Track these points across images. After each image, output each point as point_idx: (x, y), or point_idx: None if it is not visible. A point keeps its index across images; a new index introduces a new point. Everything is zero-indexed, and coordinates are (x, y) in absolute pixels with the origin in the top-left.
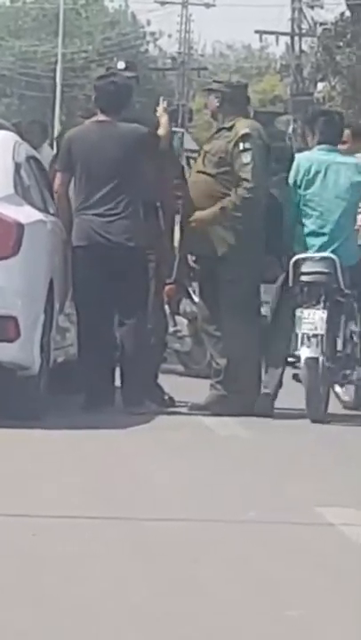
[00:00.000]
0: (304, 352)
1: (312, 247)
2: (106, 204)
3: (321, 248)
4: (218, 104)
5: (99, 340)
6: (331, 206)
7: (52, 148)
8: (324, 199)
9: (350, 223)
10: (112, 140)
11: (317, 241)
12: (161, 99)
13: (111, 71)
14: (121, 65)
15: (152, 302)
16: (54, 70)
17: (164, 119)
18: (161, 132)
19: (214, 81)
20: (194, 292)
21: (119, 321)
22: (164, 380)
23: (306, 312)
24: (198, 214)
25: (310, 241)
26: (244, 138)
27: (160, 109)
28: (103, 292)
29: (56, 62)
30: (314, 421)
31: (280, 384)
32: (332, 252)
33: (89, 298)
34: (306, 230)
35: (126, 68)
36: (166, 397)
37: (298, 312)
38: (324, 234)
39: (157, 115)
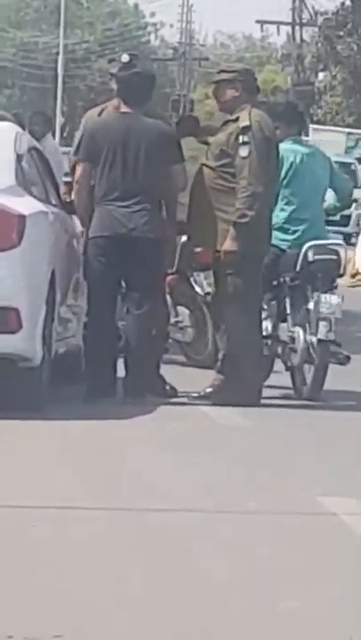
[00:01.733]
0: (321, 333)
1: (294, 234)
2: (129, 194)
3: (302, 236)
4: (237, 94)
5: (106, 330)
6: (309, 195)
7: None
8: (303, 189)
9: (322, 210)
10: (137, 131)
11: (298, 228)
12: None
13: (134, 61)
14: (125, 58)
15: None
16: (55, 61)
17: None
18: None
19: (223, 70)
20: (195, 282)
21: (127, 310)
22: (166, 371)
23: (323, 296)
24: (225, 246)
25: (292, 227)
26: (244, 130)
27: None
28: (117, 283)
29: (57, 53)
30: (313, 400)
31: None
32: (313, 238)
33: (103, 288)
34: (287, 219)
35: (130, 61)
36: (168, 388)
37: (314, 296)
38: (305, 221)
39: None
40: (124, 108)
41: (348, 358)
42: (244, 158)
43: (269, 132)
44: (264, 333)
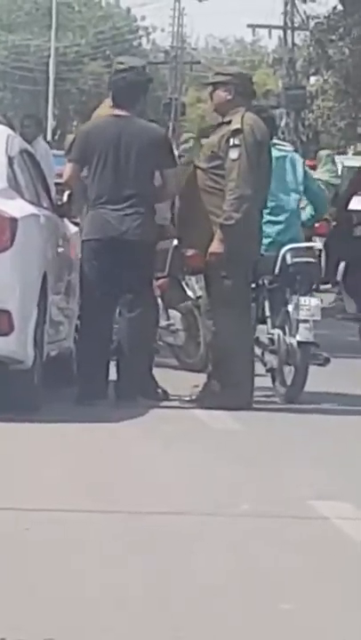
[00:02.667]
0: (302, 335)
1: (269, 237)
2: (122, 197)
3: (277, 238)
4: (230, 97)
5: (99, 333)
6: (285, 197)
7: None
8: (277, 192)
9: (298, 214)
10: (130, 134)
11: (273, 230)
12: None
13: (124, 67)
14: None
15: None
16: (47, 64)
17: None
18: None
19: (218, 73)
20: (187, 285)
21: (119, 313)
22: (158, 374)
23: (302, 299)
24: (211, 248)
25: (267, 230)
26: (235, 133)
27: None
28: (109, 285)
29: (49, 56)
30: (291, 402)
31: None
32: (289, 241)
33: (96, 291)
34: (264, 220)
35: (137, 67)
36: (160, 391)
37: (294, 299)
38: (279, 223)
39: None
40: (117, 111)
41: (328, 360)
42: (233, 161)
43: (261, 135)
44: None
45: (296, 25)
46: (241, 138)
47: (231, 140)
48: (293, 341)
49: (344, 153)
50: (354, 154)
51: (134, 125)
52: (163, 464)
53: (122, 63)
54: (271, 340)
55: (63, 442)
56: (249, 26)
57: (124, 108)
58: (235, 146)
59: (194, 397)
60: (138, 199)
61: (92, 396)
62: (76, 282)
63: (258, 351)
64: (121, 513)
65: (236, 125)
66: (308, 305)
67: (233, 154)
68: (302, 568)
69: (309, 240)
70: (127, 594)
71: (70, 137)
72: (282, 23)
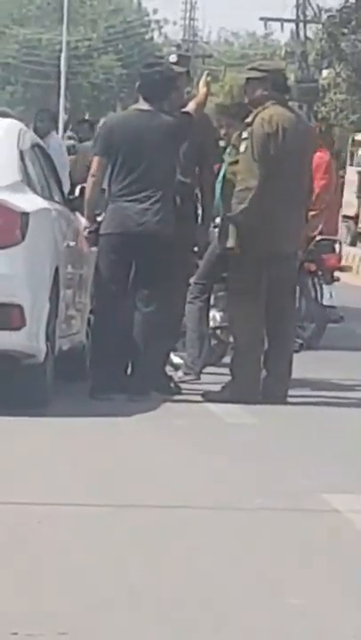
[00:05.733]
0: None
1: None
2: (144, 192)
3: None
4: (266, 92)
5: (113, 327)
6: None
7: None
8: None
9: None
10: (154, 129)
11: None
12: (205, 72)
13: (158, 60)
14: (173, 58)
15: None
16: (59, 58)
17: (203, 90)
18: (192, 105)
19: (254, 68)
20: (213, 306)
21: (136, 308)
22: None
23: None
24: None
25: None
26: (245, 126)
27: (202, 81)
28: (126, 279)
29: (60, 50)
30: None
31: None
32: None
33: (112, 285)
34: None
35: (177, 62)
36: (173, 386)
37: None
38: None
39: (199, 85)
40: (143, 106)
41: (302, 346)
42: (242, 153)
43: (271, 128)
44: (212, 324)
45: (308, 18)
46: (250, 131)
47: (243, 134)
48: None
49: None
50: None
51: (158, 120)
52: (175, 458)
53: (177, 59)
54: None
55: (75, 436)
56: (261, 19)
57: (150, 102)
58: (244, 139)
59: (207, 392)
60: (159, 193)
61: (104, 390)
62: (88, 275)
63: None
64: (133, 507)
65: (248, 119)
66: None
67: (242, 147)
68: (314, 561)
69: None
70: (136, 589)
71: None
72: (294, 16)
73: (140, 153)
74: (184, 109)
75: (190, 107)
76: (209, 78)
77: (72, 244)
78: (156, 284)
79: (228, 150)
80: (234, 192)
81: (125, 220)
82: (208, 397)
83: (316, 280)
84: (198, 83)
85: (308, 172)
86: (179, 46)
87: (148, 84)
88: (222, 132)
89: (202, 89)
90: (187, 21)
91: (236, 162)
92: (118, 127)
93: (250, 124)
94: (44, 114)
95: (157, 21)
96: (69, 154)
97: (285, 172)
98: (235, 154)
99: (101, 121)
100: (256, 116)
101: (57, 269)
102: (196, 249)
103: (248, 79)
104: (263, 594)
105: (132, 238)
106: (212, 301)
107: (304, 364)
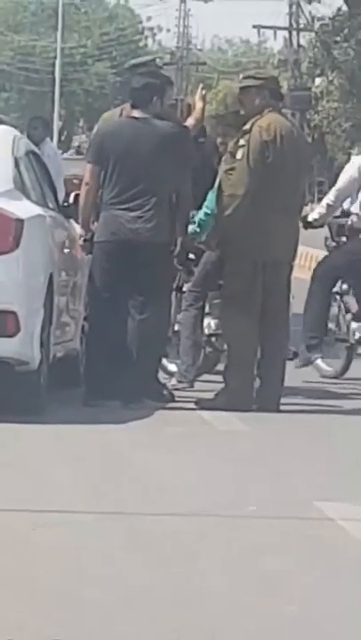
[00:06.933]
0: None
1: None
2: (137, 200)
3: None
4: (264, 101)
5: (107, 335)
6: None
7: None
8: None
9: None
10: (146, 137)
11: None
12: (200, 86)
13: (148, 63)
14: (159, 62)
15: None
16: (53, 65)
17: (200, 105)
18: (191, 121)
19: (250, 77)
20: (208, 314)
21: (130, 315)
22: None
23: None
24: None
25: None
26: (243, 134)
27: (198, 95)
28: (121, 287)
29: (55, 57)
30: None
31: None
32: None
33: (106, 292)
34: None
35: (148, 66)
36: (166, 393)
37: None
38: None
39: (195, 100)
40: (135, 113)
41: (296, 354)
42: (238, 160)
43: (269, 135)
44: (207, 331)
45: (301, 26)
46: (247, 138)
47: (240, 141)
48: None
49: (349, 154)
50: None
51: (151, 127)
52: (168, 466)
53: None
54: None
55: (68, 443)
56: (255, 27)
57: (142, 110)
58: (241, 146)
59: (200, 399)
60: (152, 201)
61: (98, 397)
62: (82, 283)
63: (224, 346)
64: (126, 514)
65: (246, 126)
66: None
67: (238, 154)
68: (308, 569)
69: None
70: (132, 595)
71: (76, 138)
72: (287, 24)
73: (132, 161)
74: (184, 124)
75: (189, 122)
76: (204, 92)
77: (66, 251)
78: (150, 292)
79: (223, 158)
80: (223, 196)
81: (118, 228)
82: (201, 405)
83: None
84: (192, 91)
85: (303, 180)
86: (172, 53)
87: (132, 92)
88: (218, 140)
89: (198, 103)
90: (180, 29)
91: (233, 169)
92: (110, 135)
93: (248, 132)
94: (38, 121)
95: (151, 29)
96: None
97: (282, 180)
98: (231, 162)
99: (95, 127)
100: (254, 123)
101: (51, 276)
102: (192, 256)
103: (245, 88)
104: (258, 600)
105: (125, 246)
106: (206, 309)
107: (297, 372)
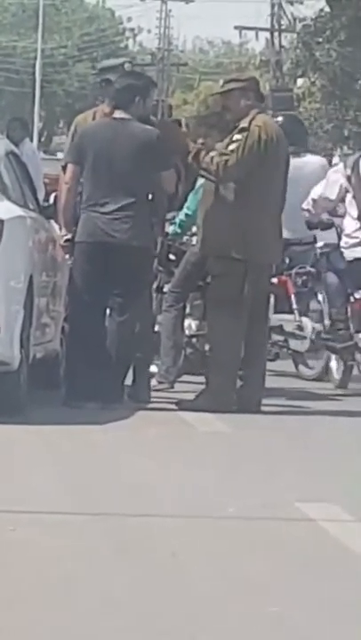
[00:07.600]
0: None
1: None
2: (114, 201)
3: None
4: (249, 102)
5: (87, 336)
6: None
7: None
8: None
9: None
10: (124, 137)
11: None
12: (183, 119)
13: (121, 69)
14: (128, 67)
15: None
16: (33, 66)
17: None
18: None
19: (233, 79)
20: (189, 315)
21: (109, 317)
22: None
23: None
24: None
25: None
26: (241, 131)
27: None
28: (100, 289)
29: (35, 58)
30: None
31: None
32: None
33: (86, 294)
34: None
35: (126, 69)
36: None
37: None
38: None
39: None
40: (116, 114)
41: (278, 355)
42: (231, 152)
43: (266, 135)
44: (188, 332)
45: (283, 27)
46: (245, 135)
47: (235, 136)
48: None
49: (331, 155)
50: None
51: (129, 128)
52: (149, 466)
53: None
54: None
55: (49, 444)
56: (236, 28)
57: (122, 111)
58: (235, 140)
59: (180, 400)
60: (130, 203)
61: (78, 398)
62: (62, 284)
63: (206, 347)
64: (106, 515)
65: (243, 124)
66: None
67: (232, 146)
68: (289, 570)
69: None
70: (113, 597)
71: (56, 139)
72: (269, 25)
73: (108, 162)
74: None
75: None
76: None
77: (46, 252)
78: (130, 294)
79: (213, 154)
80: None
81: (95, 231)
82: (182, 406)
83: None
84: (173, 92)
85: (286, 183)
86: (153, 54)
87: (118, 93)
88: (200, 141)
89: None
90: (162, 29)
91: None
92: (88, 136)
93: (245, 130)
94: (16, 122)
95: (132, 29)
96: None
97: (276, 179)
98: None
99: (71, 129)
100: (251, 122)
101: (31, 277)
102: (172, 257)
103: (229, 91)
104: (240, 602)
105: (104, 247)
106: (187, 310)
107: (278, 374)
